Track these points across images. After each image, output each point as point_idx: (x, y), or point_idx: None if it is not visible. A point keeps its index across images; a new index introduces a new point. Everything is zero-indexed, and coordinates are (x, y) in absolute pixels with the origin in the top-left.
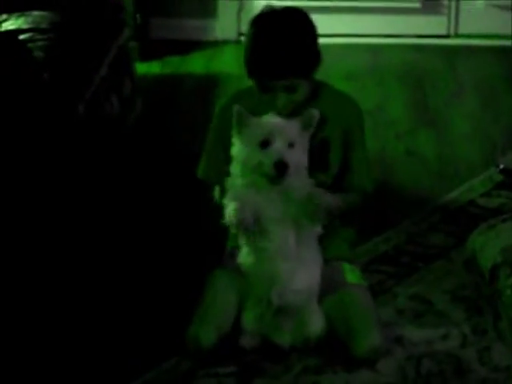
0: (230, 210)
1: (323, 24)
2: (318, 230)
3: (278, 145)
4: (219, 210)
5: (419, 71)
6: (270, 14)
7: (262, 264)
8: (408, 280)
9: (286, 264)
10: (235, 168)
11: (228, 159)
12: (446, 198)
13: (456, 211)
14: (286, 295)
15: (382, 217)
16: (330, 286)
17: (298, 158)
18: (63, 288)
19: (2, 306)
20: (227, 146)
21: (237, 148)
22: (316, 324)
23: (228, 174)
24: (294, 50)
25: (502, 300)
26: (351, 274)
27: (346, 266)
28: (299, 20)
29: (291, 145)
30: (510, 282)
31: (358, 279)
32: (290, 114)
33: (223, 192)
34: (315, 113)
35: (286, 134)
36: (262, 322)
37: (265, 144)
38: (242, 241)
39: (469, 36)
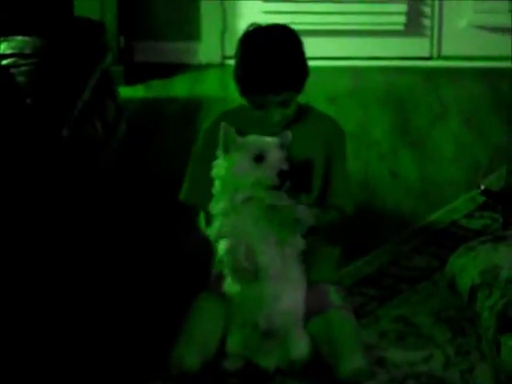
0: (223, 253)
1: (306, 47)
2: (301, 246)
3: (275, 156)
4: (204, 235)
5: (402, 93)
6: (257, 31)
7: (248, 288)
8: (391, 302)
9: (273, 285)
10: (218, 188)
11: (211, 182)
12: (429, 220)
13: (439, 232)
14: (273, 317)
15: (364, 238)
16: (314, 308)
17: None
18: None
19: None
20: (211, 168)
21: (223, 168)
22: (301, 346)
23: (211, 196)
24: (286, 63)
25: (481, 322)
26: (336, 296)
27: (331, 288)
28: (287, 34)
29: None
30: (488, 303)
31: (343, 301)
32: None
33: (207, 216)
34: (289, 134)
35: (277, 147)
36: (246, 345)
37: (259, 158)
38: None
39: (452, 58)
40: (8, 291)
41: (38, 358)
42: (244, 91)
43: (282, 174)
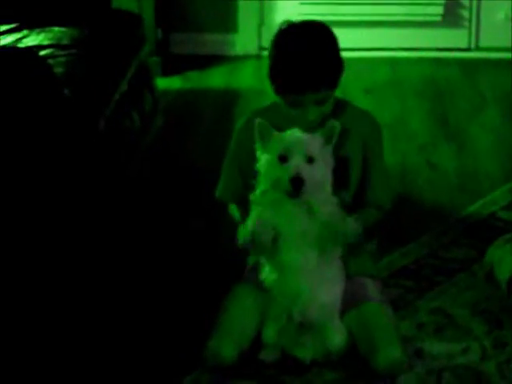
0: (245, 231)
1: (342, 38)
2: (340, 250)
3: (296, 160)
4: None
5: (439, 84)
6: (290, 28)
7: (284, 280)
8: (429, 294)
9: (308, 280)
10: (261, 182)
11: (245, 180)
12: (468, 211)
13: (477, 224)
14: (308, 311)
15: (402, 230)
16: (352, 301)
17: (319, 173)
18: (70, 298)
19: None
20: (244, 167)
21: (261, 162)
22: (337, 339)
23: (247, 192)
24: (321, 61)
25: None
26: (373, 289)
27: (369, 281)
28: (320, 31)
29: (311, 160)
30: None
31: (380, 294)
32: (320, 124)
33: (245, 209)
34: (336, 124)
35: (305, 148)
36: (282, 336)
37: (283, 159)
38: (263, 258)
39: (489, 49)
40: (23, 289)
41: (49, 356)
42: (280, 91)
43: (295, 182)
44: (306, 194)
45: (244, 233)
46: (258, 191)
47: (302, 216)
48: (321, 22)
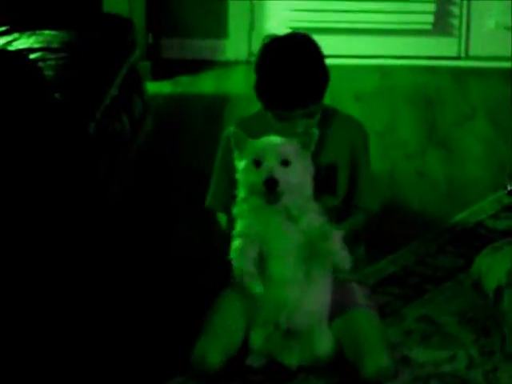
0: (232, 251)
1: (333, 45)
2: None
3: (269, 162)
4: (227, 235)
5: (429, 93)
6: (275, 44)
7: (269, 289)
8: (416, 302)
9: (295, 289)
10: (240, 192)
11: (233, 187)
12: (455, 220)
13: (465, 233)
14: (295, 318)
15: (390, 238)
16: (340, 307)
17: (294, 176)
18: (63, 296)
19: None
20: (232, 175)
21: (238, 170)
22: (324, 345)
23: (233, 199)
24: (308, 78)
25: (506, 322)
26: (360, 295)
27: (356, 287)
28: (304, 45)
29: (285, 163)
30: None
31: (367, 300)
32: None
33: (230, 220)
34: (314, 132)
35: (279, 151)
36: (269, 342)
37: (257, 163)
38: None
39: (479, 58)
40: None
41: (43, 359)
42: (268, 106)
43: (268, 183)
44: (283, 198)
45: (234, 271)
46: (238, 200)
47: (283, 225)
48: (304, 34)
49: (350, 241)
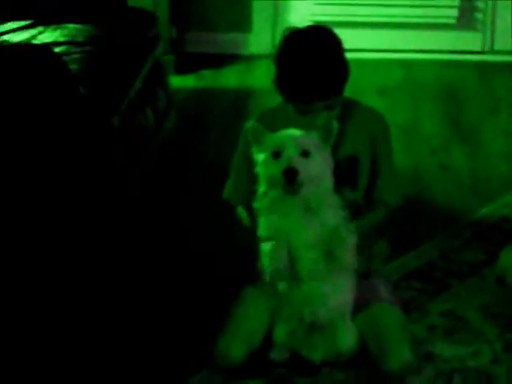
0: (264, 255)
1: (357, 39)
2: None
3: (288, 153)
4: (248, 229)
5: (453, 87)
6: (296, 37)
7: (294, 286)
8: (440, 296)
9: (319, 285)
10: (260, 187)
11: (254, 180)
12: (480, 214)
13: (489, 227)
14: (319, 314)
15: (414, 232)
16: (363, 302)
17: (315, 167)
18: (74, 298)
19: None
20: (253, 168)
21: (258, 163)
22: (348, 340)
23: (253, 194)
24: (328, 72)
25: None
26: (384, 290)
27: (380, 282)
28: (325, 38)
29: (305, 154)
30: None
31: (391, 295)
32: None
33: (250, 212)
34: (334, 124)
35: (298, 142)
36: (293, 336)
37: (277, 155)
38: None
39: (504, 52)
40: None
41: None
42: (288, 99)
43: (288, 172)
44: (303, 190)
45: (265, 272)
46: (258, 194)
47: (303, 217)
48: (324, 27)
49: (371, 235)
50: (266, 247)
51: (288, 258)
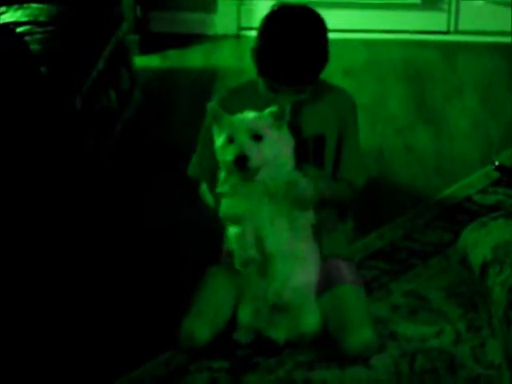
0: (231, 241)
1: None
2: (311, 219)
3: (239, 139)
4: (211, 208)
5: (418, 67)
6: (285, 15)
7: (259, 266)
8: (403, 276)
9: (283, 262)
10: (221, 172)
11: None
12: (443, 195)
13: (453, 207)
14: (283, 293)
15: (378, 212)
16: (326, 283)
17: (268, 150)
18: (56, 283)
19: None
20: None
21: (216, 150)
22: (311, 320)
23: (217, 173)
24: (312, 59)
25: (492, 297)
26: (347, 271)
27: (343, 263)
28: (315, 25)
29: (257, 137)
30: (500, 279)
31: (354, 276)
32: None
33: (215, 196)
34: (285, 106)
35: (249, 127)
36: (257, 317)
37: (231, 140)
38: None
39: (469, 32)
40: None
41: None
42: (263, 75)
43: (238, 160)
44: (260, 173)
45: (237, 262)
46: (220, 179)
47: (264, 199)
48: (314, 12)
49: (336, 214)
50: (233, 232)
51: (255, 241)
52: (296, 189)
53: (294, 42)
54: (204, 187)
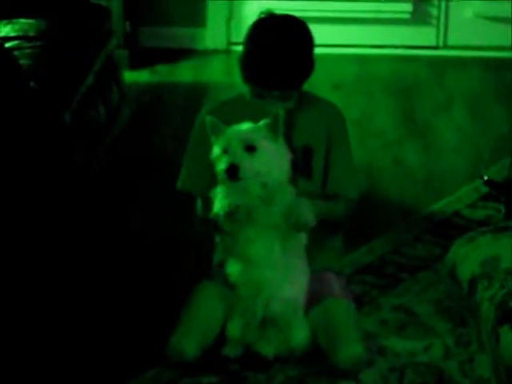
0: (221, 200)
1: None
2: (304, 239)
3: (232, 150)
4: (204, 222)
5: (407, 82)
6: (270, 23)
7: (248, 273)
8: (393, 291)
9: (272, 273)
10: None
11: (210, 169)
12: (432, 209)
13: (441, 222)
14: (272, 305)
15: (367, 227)
16: (316, 297)
17: (260, 161)
18: (41, 298)
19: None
20: (207, 156)
21: (213, 161)
22: (301, 335)
23: (208, 185)
24: (295, 63)
25: (480, 312)
26: (337, 285)
27: (333, 277)
28: (300, 31)
29: (250, 148)
30: (488, 294)
31: (344, 290)
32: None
33: (206, 203)
34: (280, 112)
35: (243, 138)
36: (246, 331)
37: (225, 151)
38: (227, 247)
39: (458, 47)
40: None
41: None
42: (247, 80)
43: (229, 170)
44: (251, 184)
45: (220, 201)
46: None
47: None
48: (300, 20)
49: (329, 228)
50: (218, 189)
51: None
52: (296, 215)
53: (276, 46)
54: (198, 202)
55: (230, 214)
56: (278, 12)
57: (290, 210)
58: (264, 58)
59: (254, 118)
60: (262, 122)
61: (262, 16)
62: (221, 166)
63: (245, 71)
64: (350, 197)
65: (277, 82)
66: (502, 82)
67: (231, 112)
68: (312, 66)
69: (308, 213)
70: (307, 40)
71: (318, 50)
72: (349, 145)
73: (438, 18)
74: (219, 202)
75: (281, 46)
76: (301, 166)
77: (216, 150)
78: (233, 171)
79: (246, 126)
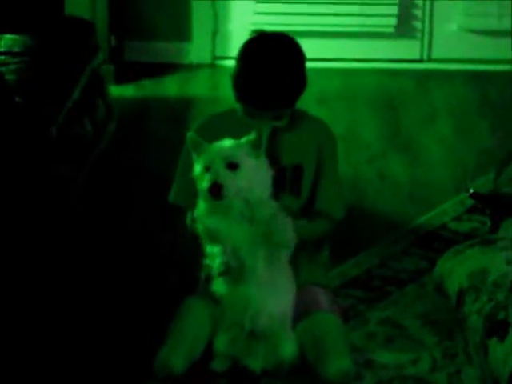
0: (215, 260)
1: None
2: (287, 255)
3: (215, 167)
4: (192, 236)
5: (392, 95)
6: (261, 42)
7: (235, 289)
8: (380, 304)
9: (259, 289)
10: (200, 197)
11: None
12: (418, 222)
13: (428, 235)
14: (259, 320)
15: (353, 240)
16: (303, 311)
17: (243, 178)
18: (30, 310)
19: None
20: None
21: (195, 178)
22: (288, 349)
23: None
24: (287, 85)
25: (468, 325)
26: (324, 299)
27: (320, 291)
28: (292, 51)
29: (232, 166)
30: (476, 307)
31: (331, 304)
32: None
33: (194, 219)
34: (264, 129)
35: (225, 155)
36: (234, 345)
37: (207, 169)
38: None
39: (442, 60)
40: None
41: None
42: (239, 100)
43: (212, 189)
44: (235, 202)
45: (213, 261)
46: (198, 207)
47: (239, 223)
48: (293, 39)
49: (313, 244)
50: (210, 250)
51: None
52: (278, 235)
53: (268, 66)
54: (189, 214)
55: (225, 273)
56: (267, 29)
57: (270, 228)
58: (256, 81)
59: (246, 135)
60: (243, 139)
61: (253, 35)
62: (203, 185)
63: (237, 91)
64: (336, 217)
65: (269, 104)
66: (487, 95)
67: (223, 128)
68: (304, 85)
69: (289, 232)
70: (299, 60)
71: None
72: (337, 164)
73: (423, 32)
74: (212, 261)
75: (273, 69)
76: (290, 184)
77: (198, 168)
78: (216, 190)
79: (227, 142)
